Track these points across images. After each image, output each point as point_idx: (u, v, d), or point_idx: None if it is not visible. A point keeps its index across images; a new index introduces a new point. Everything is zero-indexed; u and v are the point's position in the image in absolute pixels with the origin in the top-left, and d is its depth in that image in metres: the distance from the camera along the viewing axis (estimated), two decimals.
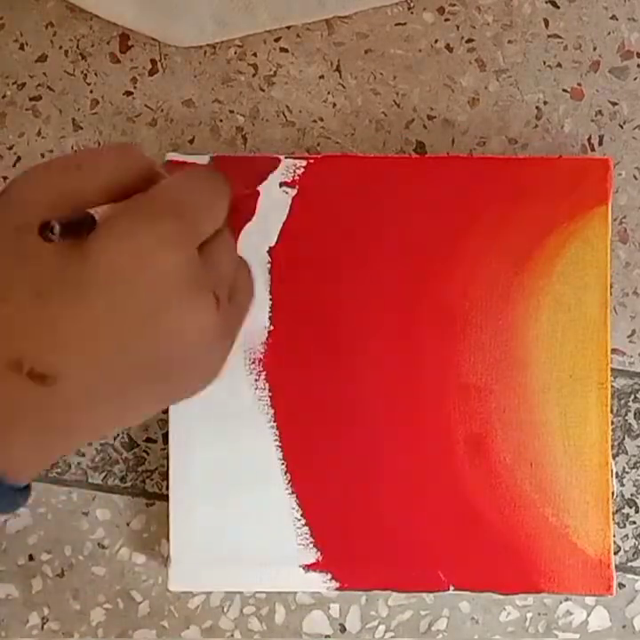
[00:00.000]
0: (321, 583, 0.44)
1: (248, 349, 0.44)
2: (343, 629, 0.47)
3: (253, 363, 0.44)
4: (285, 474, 0.44)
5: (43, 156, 0.48)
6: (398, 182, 0.44)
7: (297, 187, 0.44)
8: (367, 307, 0.44)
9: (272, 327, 0.44)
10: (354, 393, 0.44)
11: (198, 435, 0.44)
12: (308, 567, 0.44)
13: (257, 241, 0.44)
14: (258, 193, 0.44)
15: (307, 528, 0.44)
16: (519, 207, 0.44)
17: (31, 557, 0.47)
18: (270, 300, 0.44)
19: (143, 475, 0.47)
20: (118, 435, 0.47)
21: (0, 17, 0.48)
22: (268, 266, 0.44)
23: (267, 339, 0.44)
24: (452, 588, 0.44)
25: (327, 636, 0.47)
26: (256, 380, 0.44)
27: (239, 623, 0.47)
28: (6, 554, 0.47)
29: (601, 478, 0.44)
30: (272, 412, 0.44)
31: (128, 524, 0.47)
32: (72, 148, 0.48)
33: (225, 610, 0.47)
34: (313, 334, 0.44)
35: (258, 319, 0.44)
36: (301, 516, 0.44)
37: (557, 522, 0.44)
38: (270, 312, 0.44)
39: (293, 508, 0.44)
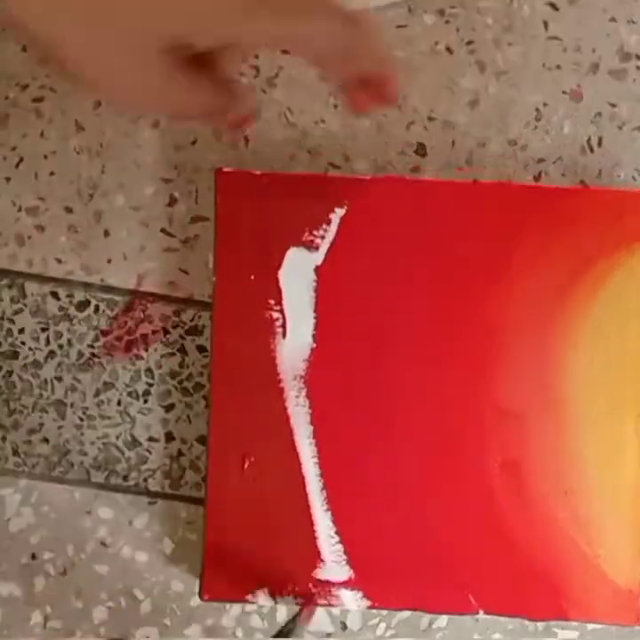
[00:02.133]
0: (352, 601, 0.44)
1: (291, 366, 0.44)
2: (344, 627, 0.47)
3: (295, 379, 0.44)
4: (322, 491, 0.44)
5: (45, 157, 0.48)
6: (447, 206, 0.44)
7: (346, 207, 0.44)
8: (409, 328, 0.44)
9: (315, 345, 0.44)
10: (393, 413, 0.44)
11: (238, 445, 0.44)
12: (339, 585, 0.44)
13: (304, 259, 0.44)
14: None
15: (340, 545, 0.44)
16: (565, 234, 0.44)
17: (34, 556, 0.47)
18: (315, 318, 0.44)
19: (145, 473, 0.47)
20: (120, 434, 0.47)
21: None
22: (314, 284, 0.44)
23: (309, 356, 0.44)
24: (481, 612, 0.44)
25: (329, 634, 0.47)
26: (297, 397, 0.44)
27: (241, 621, 0.47)
28: (9, 552, 0.47)
29: (635, 509, 0.44)
30: (311, 428, 0.44)
31: (130, 523, 0.47)
32: (74, 149, 0.48)
33: (227, 608, 0.47)
34: (355, 354, 0.44)
35: (302, 336, 0.44)
36: (336, 533, 0.44)
37: (589, 550, 0.44)
38: (314, 330, 0.44)
39: (328, 526, 0.44)
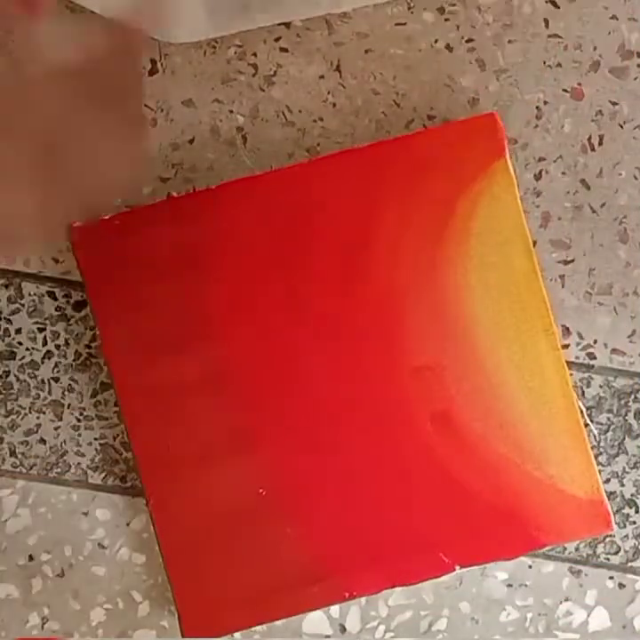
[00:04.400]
0: (332, 598, 0.44)
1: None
2: (343, 630, 0.47)
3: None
4: (274, 501, 0.44)
5: None
6: (299, 191, 0.44)
7: (204, 222, 0.44)
8: (305, 318, 0.44)
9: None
10: (315, 406, 0.44)
11: (178, 484, 0.44)
12: (316, 585, 0.44)
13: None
14: None
15: (307, 548, 0.44)
16: (421, 182, 0.44)
17: (31, 557, 0.47)
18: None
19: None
20: (118, 435, 0.47)
21: None
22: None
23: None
24: (457, 567, 0.44)
25: (327, 637, 0.47)
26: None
27: None
28: (6, 554, 0.47)
29: (571, 420, 0.44)
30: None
31: (128, 525, 0.47)
32: None
33: None
34: (266, 366, 0.44)
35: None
36: (300, 537, 0.44)
37: (541, 474, 0.44)
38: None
39: (289, 532, 0.44)
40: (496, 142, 0.44)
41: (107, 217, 0.44)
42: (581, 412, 0.45)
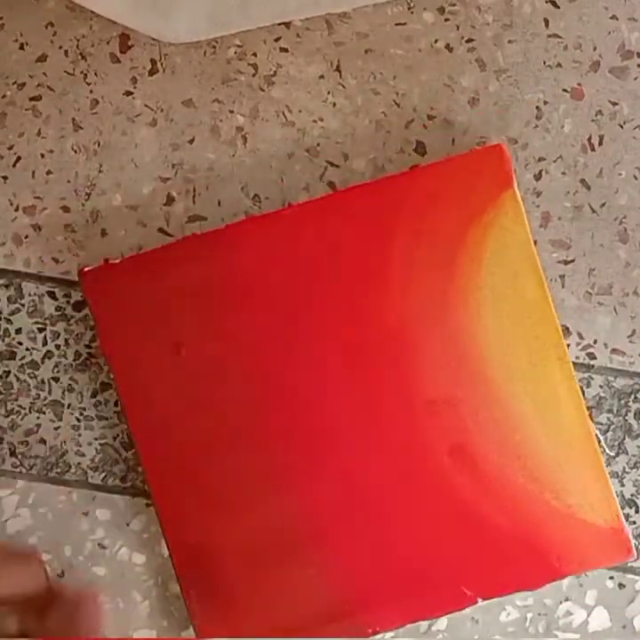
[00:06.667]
0: (355, 634, 0.44)
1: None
2: None
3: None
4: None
5: (42, 156, 0.48)
6: (311, 228, 0.44)
7: (216, 262, 0.44)
8: (319, 355, 0.44)
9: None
10: (332, 442, 0.44)
11: (199, 521, 0.44)
12: (338, 622, 0.44)
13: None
14: None
15: (329, 585, 0.44)
16: (431, 216, 0.44)
17: None
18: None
19: (143, 475, 0.47)
20: (118, 435, 0.47)
21: (0, 17, 0.48)
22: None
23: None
24: (480, 600, 0.44)
25: None
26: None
27: None
28: None
29: (588, 449, 0.44)
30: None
31: (128, 525, 0.47)
32: (72, 147, 0.48)
33: None
34: (278, 399, 0.44)
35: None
36: (321, 574, 0.44)
37: (560, 504, 0.44)
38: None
39: (311, 570, 0.44)
40: (503, 173, 0.44)
41: (117, 261, 0.44)
42: (598, 440, 0.45)
